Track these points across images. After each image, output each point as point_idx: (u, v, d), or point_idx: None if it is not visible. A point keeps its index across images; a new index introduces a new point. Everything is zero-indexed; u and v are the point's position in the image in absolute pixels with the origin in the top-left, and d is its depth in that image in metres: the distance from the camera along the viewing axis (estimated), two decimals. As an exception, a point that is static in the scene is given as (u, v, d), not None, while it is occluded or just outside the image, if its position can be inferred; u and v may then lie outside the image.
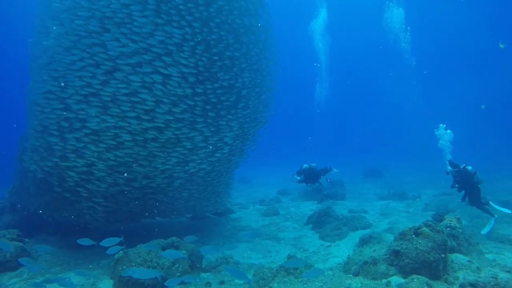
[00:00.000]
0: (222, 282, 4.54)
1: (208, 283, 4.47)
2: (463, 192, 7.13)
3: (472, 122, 32.17)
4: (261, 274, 4.42)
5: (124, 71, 5.18)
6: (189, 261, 4.91)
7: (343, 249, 6.18)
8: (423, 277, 3.81)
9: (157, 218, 7.51)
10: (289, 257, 5.04)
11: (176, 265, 4.65)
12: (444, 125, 8.64)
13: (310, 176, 10.11)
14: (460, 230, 5.15)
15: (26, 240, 6.36)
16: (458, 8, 30.53)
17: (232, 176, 8.71)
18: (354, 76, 43.82)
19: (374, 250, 4.85)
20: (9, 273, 5.13)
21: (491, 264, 4.51)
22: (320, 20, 27.43)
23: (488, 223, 6.56)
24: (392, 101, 38.85)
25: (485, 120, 35.37)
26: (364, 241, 6.07)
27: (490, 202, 6.96)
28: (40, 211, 6.11)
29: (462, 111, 32.88)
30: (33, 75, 5.94)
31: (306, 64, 35.56)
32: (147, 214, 6.81)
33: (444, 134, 8.57)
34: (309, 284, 4.21)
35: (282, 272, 4.47)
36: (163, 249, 4.89)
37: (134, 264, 4.46)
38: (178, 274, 4.55)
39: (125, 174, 5.69)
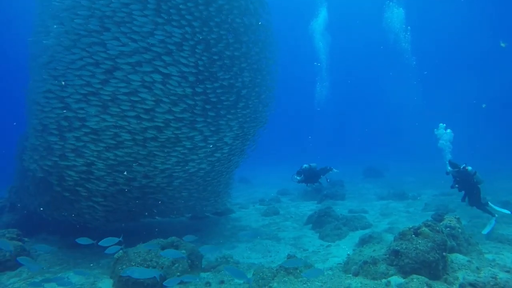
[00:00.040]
0: (222, 282, 4.54)
1: (208, 283, 4.47)
2: (463, 192, 7.12)
3: (472, 122, 32.18)
4: (261, 273, 4.42)
5: (124, 70, 5.18)
6: (189, 261, 4.91)
7: (343, 249, 6.18)
8: (423, 277, 3.80)
9: (157, 217, 7.51)
10: (289, 256, 5.04)
11: (176, 265, 4.65)
12: (444, 125, 8.62)
13: (310, 176, 10.11)
14: (459, 230, 5.15)
15: (26, 239, 6.35)
16: (458, 7, 30.53)
17: (232, 176, 8.70)
18: (354, 75, 43.86)
19: (374, 250, 4.85)
20: (8, 272, 5.13)
21: (490, 264, 4.51)
22: (320, 20, 27.41)
23: (488, 223, 6.56)
24: (392, 101, 38.90)
25: (485, 120, 35.39)
26: (364, 241, 6.06)
27: (489, 202, 6.95)
28: (42, 209, 6.10)
29: (462, 111, 32.89)
30: (33, 74, 5.94)
31: (306, 63, 35.58)
32: (146, 213, 6.81)
33: (444, 134, 8.55)
34: (309, 284, 4.21)
35: (282, 271, 4.46)
36: (163, 248, 4.88)
37: (133, 264, 4.46)
38: (178, 273, 4.55)
39: (125, 173, 5.68)
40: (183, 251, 4.92)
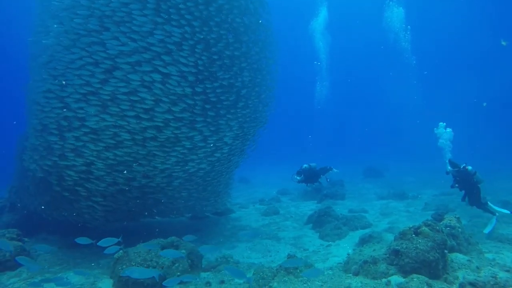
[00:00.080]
0: (222, 282, 4.54)
1: (208, 283, 4.46)
2: (463, 191, 7.12)
3: (472, 122, 32.15)
4: (261, 273, 4.41)
5: (124, 70, 5.17)
6: (189, 261, 4.91)
7: (343, 249, 6.18)
8: (423, 277, 3.80)
9: (157, 217, 7.50)
10: (289, 256, 5.03)
11: (176, 265, 4.64)
12: (444, 123, 8.60)
13: (310, 176, 10.11)
14: (459, 229, 5.15)
15: (26, 239, 6.35)
16: (458, 7, 30.52)
17: (232, 176, 8.70)
18: (354, 75, 43.85)
19: (374, 250, 4.85)
20: (8, 272, 5.13)
21: (490, 264, 4.50)
22: (320, 19, 27.39)
23: (490, 222, 6.56)
24: (392, 101, 38.87)
25: (485, 120, 35.38)
26: (364, 241, 6.06)
27: (488, 203, 6.95)
28: (43, 207, 6.09)
29: (462, 111, 32.87)
30: (33, 74, 5.93)
31: (306, 63, 35.58)
32: (146, 213, 6.80)
33: (444, 133, 8.54)
34: (309, 284, 4.20)
35: (282, 271, 4.46)
36: (163, 248, 4.88)
37: (134, 264, 4.45)
38: (178, 273, 4.54)
39: (125, 172, 5.68)
40: (183, 251, 4.92)
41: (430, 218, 6.65)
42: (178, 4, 5.32)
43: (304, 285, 4.18)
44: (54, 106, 5.32)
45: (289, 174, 10.55)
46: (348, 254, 5.14)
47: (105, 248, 4.28)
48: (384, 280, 4.02)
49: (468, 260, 4.38)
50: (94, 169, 5.56)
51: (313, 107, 36.59)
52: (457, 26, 32.81)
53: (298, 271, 4.48)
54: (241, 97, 6.75)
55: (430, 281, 3.75)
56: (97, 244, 4.22)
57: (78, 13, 5.10)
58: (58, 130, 5.38)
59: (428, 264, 4.00)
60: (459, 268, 4.23)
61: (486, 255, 5.05)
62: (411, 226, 4.54)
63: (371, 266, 4.29)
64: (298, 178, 9.94)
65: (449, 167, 7.21)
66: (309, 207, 10.91)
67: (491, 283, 3.46)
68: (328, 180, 10.76)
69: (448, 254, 4.41)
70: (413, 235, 4.37)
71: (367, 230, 7.20)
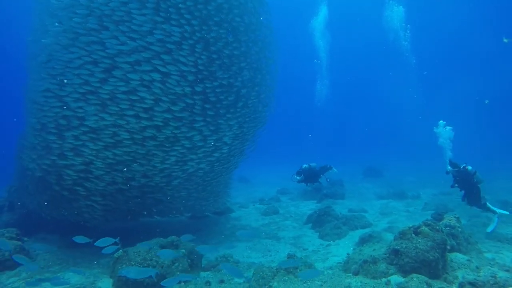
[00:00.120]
0: (222, 281, 4.53)
1: (208, 282, 4.46)
2: (463, 191, 7.11)
3: (472, 121, 32.15)
4: (261, 273, 4.41)
5: (123, 69, 5.16)
6: (189, 260, 4.90)
7: (342, 248, 6.17)
8: (423, 276, 3.79)
9: (156, 217, 7.50)
10: (289, 256, 5.02)
11: (176, 264, 4.64)
12: (444, 122, 8.58)
13: (310, 176, 10.10)
14: (459, 229, 5.15)
15: (25, 238, 6.33)
16: (458, 6, 30.49)
17: (232, 176, 8.69)
18: (354, 74, 43.85)
19: (374, 249, 4.84)
20: (8, 272, 5.11)
21: (490, 263, 4.50)
22: (320, 18, 27.34)
23: (492, 221, 6.56)
24: (392, 100, 38.84)
25: (485, 120, 35.38)
26: (363, 240, 6.06)
27: (487, 203, 6.94)
28: (46, 203, 6.07)
29: (462, 111, 32.87)
30: (32, 73, 5.92)
31: (306, 62, 35.53)
32: (145, 213, 6.79)
33: (444, 132, 8.51)
34: (309, 283, 4.20)
35: (282, 271, 4.46)
36: (163, 247, 4.88)
37: (133, 263, 4.45)
38: (178, 272, 4.54)
39: (125, 169, 5.66)
40: (183, 250, 4.92)
41: (430, 217, 6.64)
42: (178, 3, 5.30)
43: (304, 284, 4.17)
44: (53, 105, 5.31)
45: (289, 174, 10.54)
46: (348, 254, 5.14)
47: (103, 247, 4.27)
48: (384, 279, 4.02)
49: (468, 260, 4.38)
50: (93, 168, 5.55)
51: (313, 106, 36.59)
52: (457, 25, 32.79)
53: (299, 270, 4.47)
54: (240, 97, 6.73)
55: (430, 280, 3.75)
56: (94, 244, 4.21)
57: (77, 12, 5.09)
58: (57, 129, 5.37)
59: (427, 263, 3.99)
60: (458, 267, 4.23)
61: (485, 254, 5.06)
62: (410, 225, 4.53)
63: (371, 265, 4.28)
64: (298, 178, 9.93)
65: (449, 167, 7.20)
66: (309, 206, 10.91)
67: (491, 282, 3.46)
68: (328, 180, 10.76)
69: (448, 253, 4.41)
70: (413, 234, 4.36)
71: (367, 230, 7.20)
